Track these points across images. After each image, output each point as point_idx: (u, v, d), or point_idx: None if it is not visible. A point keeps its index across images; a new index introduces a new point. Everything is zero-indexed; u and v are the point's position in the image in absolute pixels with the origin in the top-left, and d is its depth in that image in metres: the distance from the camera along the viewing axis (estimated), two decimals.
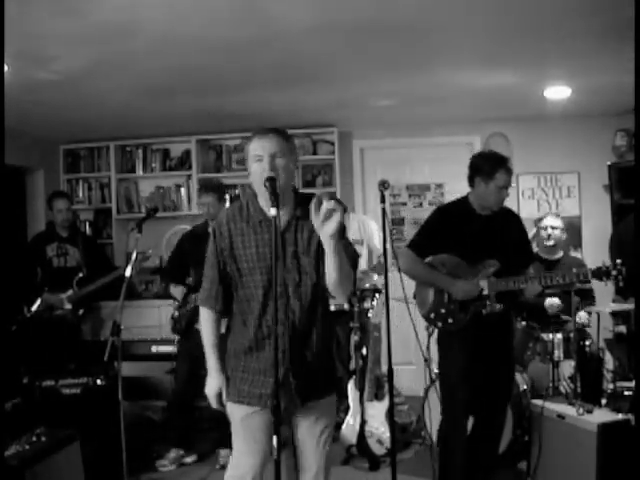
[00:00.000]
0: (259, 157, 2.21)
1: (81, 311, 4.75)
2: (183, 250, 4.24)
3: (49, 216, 5.11)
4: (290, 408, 2.29)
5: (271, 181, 2.14)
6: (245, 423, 2.33)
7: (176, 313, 4.18)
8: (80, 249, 4.88)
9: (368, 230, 4.95)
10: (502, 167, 3.18)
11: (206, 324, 2.41)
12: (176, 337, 4.34)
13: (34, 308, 4.57)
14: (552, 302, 4.22)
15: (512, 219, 3.41)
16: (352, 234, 4.85)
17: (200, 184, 4.43)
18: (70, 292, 4.67)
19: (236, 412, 2.35)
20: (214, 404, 2.38)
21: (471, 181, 3.27)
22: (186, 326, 4.06)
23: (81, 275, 4.76)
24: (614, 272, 3.03)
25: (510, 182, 3.23)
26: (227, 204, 4.17)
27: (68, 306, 4.65)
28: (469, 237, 3.20)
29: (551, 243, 4.47)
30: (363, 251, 4.85)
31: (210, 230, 4.05)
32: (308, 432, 2.35)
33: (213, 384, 2.38)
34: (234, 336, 2.38)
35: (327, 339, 2.37)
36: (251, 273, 2.28)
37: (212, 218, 4.10)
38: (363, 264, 4.80)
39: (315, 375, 2.31)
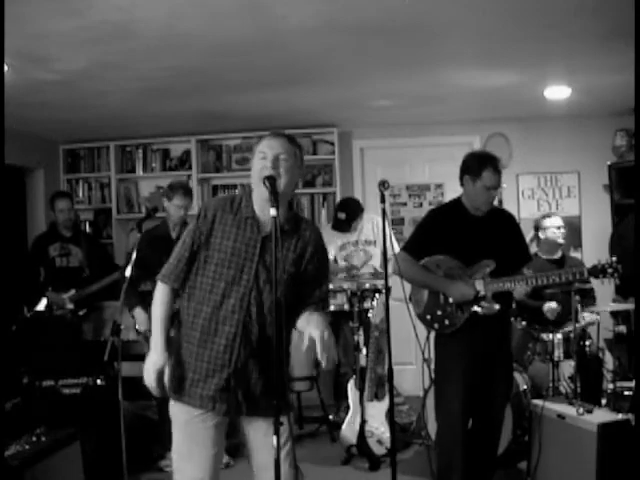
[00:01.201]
0: (264, 154, 2.19)
1: (84, 311, 4.76)
2: (141, 251, 4.15)
3: (51, 216, 5.11)
4: (233, 413, 2.23)
5: (271, 180, 2.13)
6: (187, 426, 2.25)
7: (141, 329, 4.06)
8: (83, 249, 4.89)
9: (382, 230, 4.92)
10: (489, 167, 3.14)
11: (160, 299, 2.29)
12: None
13: (40, 308, 4.58)
14: (550, 306, 4.22)
15: (506, 219, 3.40)
16: (365, 234, 4.85)
17: (177, 185, 4.25)
18: (73, 292, 4.68)
19: (179, 413, 2.27)
20: (152, 381, 2.22)
21: (461, 180, 3.26)
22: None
23: (84, 275, 4.77)
24: (610, 270, 3.02)
25: (498, 182, 3.17)
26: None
27: (70, 306, 4.66)
28: (463, 238, 3.19)
29: (562, 241, 4.48)
30: (376, 251, 4.84)
31: (172, 232, 4.04)
32: (261, 442, 2.23)
33: (156, 359, 2.23)
34: (183, 328, 2.29)
35: (279, 361, 2.13)
36: (219, 264, 2.21)
37: (183, 220, 4.06)
38: (376, 264, 4.80)
39: (260, 392, 2.22)
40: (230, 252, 2.21)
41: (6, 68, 3.60)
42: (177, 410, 2.28)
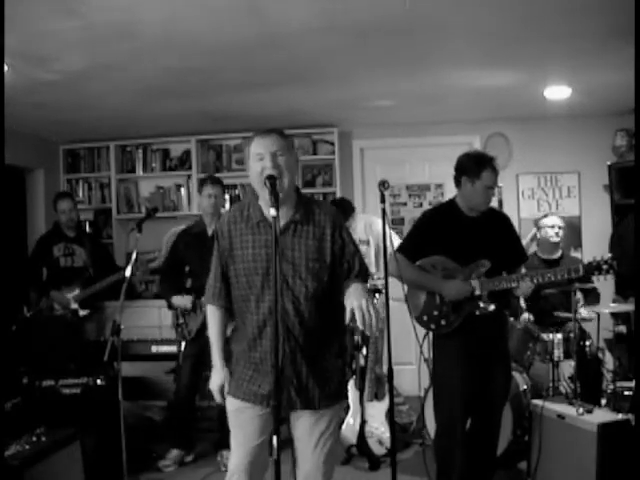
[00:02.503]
0: (260, 155, 2.21)
1: (87, 311, 4.76)
2: (178, 251, 4.22)
3: (53, 216, 5.12)
4: (287, 408, 2.28)
5: (271, 179, 2.14)
6: (236, 416, 2.36)
7: (181, 319, 4.17)
8: (86, 249, 4.92)
9: (375, 230, 4.92)
10: (488, 166, 3.15)
11: (212, 320, 2.43)
12: (181, 342, 4.29)
13: (41, 305, 4.60)
14: (523, 317, 4.23)
15: (500, 219, 3.40)
16: (358, 234, 4.84)
17: (205, 177, 4.47)
18: (77, 292, 4.71)
19: (230, 405, 2.38)
20: (217, 398, 2.41)
21: (457, 182, 3.25)
22: (197, 331, 4.06)
23: (88, 275, 4.79)
24: (605, 266, 3.02)
25: (496, 182, 3.20)
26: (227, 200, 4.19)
27: (74, 305, 4.69)
28: (458, 239, 3.19)
29: (557, 240, 4.50)
30: (370, 252, 4.83)
31: (208, 229, 4.10)
32: (306, 432, 2.33)
33: (216, 379, 2.40)
34: (236, 335, 2.41)
35: (329, 346, 2.34)
36: (247, 274, 2.27)
37: (217, 210, 4.14)
38: (371, 264, 4.79)
39: (313, 384, 2.28)
40: (252, 259, 2.27)
41: (6, 68, 3.60)
42: (229, 403, 2.39)
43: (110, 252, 5.76)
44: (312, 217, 2.28)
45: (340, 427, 4.12)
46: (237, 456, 2.35)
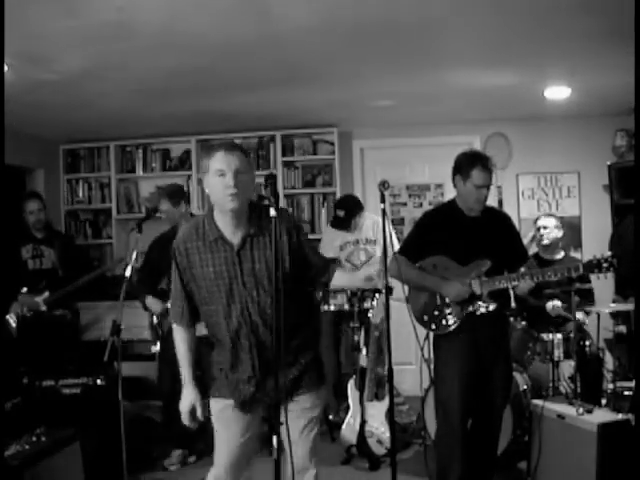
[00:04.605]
0: (222, 172, 2.19)
1: (61, 311, 4.61)
2: (152, 257, 4.20)
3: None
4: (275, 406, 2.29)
5: (272, 179, 2.15)
6: (221, 415, 2.38)
7: (156, 320, 4.19)
8: (56, 250, 4.73)
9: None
10: (477, 165, 3.13)
11: (178, 339, 2.45)
12: (156, 346, 4.29)
13: (10, 320, 4.47)
14: (554, 304, 4.22)
15: (500, 219, 3.40)
16: (365, 233, 4.83)
17: (159, 190, 4.38)
18: (46, 294, 4.48)
19: (214, 405, 2.40)
20: (186, 421, 2.41)
21: (454, 181, 3.26)
22: (168, 331, 4.04)
23: (57, 276, 4.64)
24: (605, 264, 3.01)
25: (489, 181, 3.17)
26: (183, 207, 4.17)
27: (44, 308, 4.47)
28: (458, 238, 3.19)
29: (546, 242, 4.52)
30: (377, 251, 4.82)
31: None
32: (292, 424, 2.29)
33: (186, 400, 2.41)
34: (215, 348, 2.44)
35: (302, 346, 2.37)
36: (210, 291, 2.29)
37: (173, 224, 4.17)
38: (376, 265, 4.77)
39: (291, 378, 2.33)
40: (214, 277, 2.27)
41: (6, 68, 3.60)
42: (213, 403, 2.42)
43: (84, 252, 5.68)
44: (267, 227, 2.24)
45: (340, 427, 4.13)
46: (220, 455, 2.38)
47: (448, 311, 3.20)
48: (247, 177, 2.22)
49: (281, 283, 2.09)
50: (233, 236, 2.27)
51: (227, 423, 2.37)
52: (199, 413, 2.40)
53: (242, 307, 2.26)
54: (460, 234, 3.20)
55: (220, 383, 2.40)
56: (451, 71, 4.26)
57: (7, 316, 4.40)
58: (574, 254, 5.38)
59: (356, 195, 5.33)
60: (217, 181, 2.19)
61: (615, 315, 4.29)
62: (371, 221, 4.83)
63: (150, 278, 4.22)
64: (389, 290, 3.03)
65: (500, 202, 5.72)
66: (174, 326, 2.45)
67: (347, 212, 4.76)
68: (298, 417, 2.35)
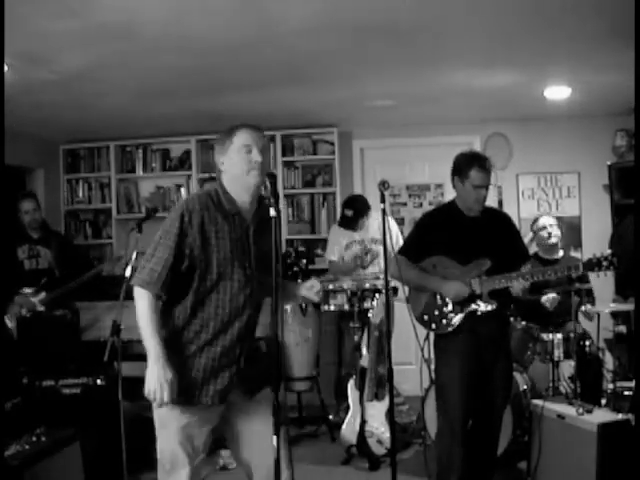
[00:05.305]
0: (248, 148, 2.21)
1: (61, 311, 4.58)
2: None
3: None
4: (245, 396, 2.29)
5: (272, 179, 2.13)
6: (183, 431, 2.20)
7: None
8: (52, 250, 4.72)
9: (390, 230, 4.88)
10: (475, 165, 3.13)
11: (149, 309, 2.16)
12: None
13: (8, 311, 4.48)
14: (548, 297, 4.20)
15: (500, 218, 3.40)
16: (372, 233, 4.83)
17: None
18: (43, 294, 4.49)
19: (176, 421, 2.19)
20: (166, 397, 2.10)
21: (453, 182, 3.26)
22: None
23: (54, 276, 4.62)
24: (605, 263, 3.01)
25: (487, 181, 3.16)
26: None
27: (41, 308, 4.48)
28: (458, 239, 3.19)
29: (554, 241, 4.50)
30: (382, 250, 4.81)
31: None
32: (264, 420, 2.17)
33: (163, 372, 2.10)
34: (183, 332, 2.21)
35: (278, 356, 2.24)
36: (223, 265, 2.17)
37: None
38: (382, 264, 4.77)
39: (254, 371, 2.31)
40: (230, 250, 2.20)
41: (6, 68, 3.60)
42: (174, 416, 2.19)
43: (81, 251, 5.66)
44: (266, 211, 2.12)
45: (340, 427, 4.13)
46: (183, 476, 2.19)
47: (448, 311, 3.20)
48: (268, 158, 2.26)
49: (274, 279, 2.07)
50: (247, 214, 2.26)
51: (191, 438, 2.20)
52: (167, 395, 2.10)
53: (252, 288, 2.24)
54: (460, 234, 3.20)
55: (191, 379, 2.18)
56: (451, 71, 4.26)
57: (5, 317, 4.39)
58: (574, 254, 5.39)
59: (363, 196, 5.32)
60: (242, 156, 2.21)
61: (615, 315, 4.29)
62: (378, 221, 4.82)
63: None
64: (394, 290, 3.04)
65: (500, 202, 5.72)
66: (140, 292, 2.16)
67: (355, 212, 4.77)
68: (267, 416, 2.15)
